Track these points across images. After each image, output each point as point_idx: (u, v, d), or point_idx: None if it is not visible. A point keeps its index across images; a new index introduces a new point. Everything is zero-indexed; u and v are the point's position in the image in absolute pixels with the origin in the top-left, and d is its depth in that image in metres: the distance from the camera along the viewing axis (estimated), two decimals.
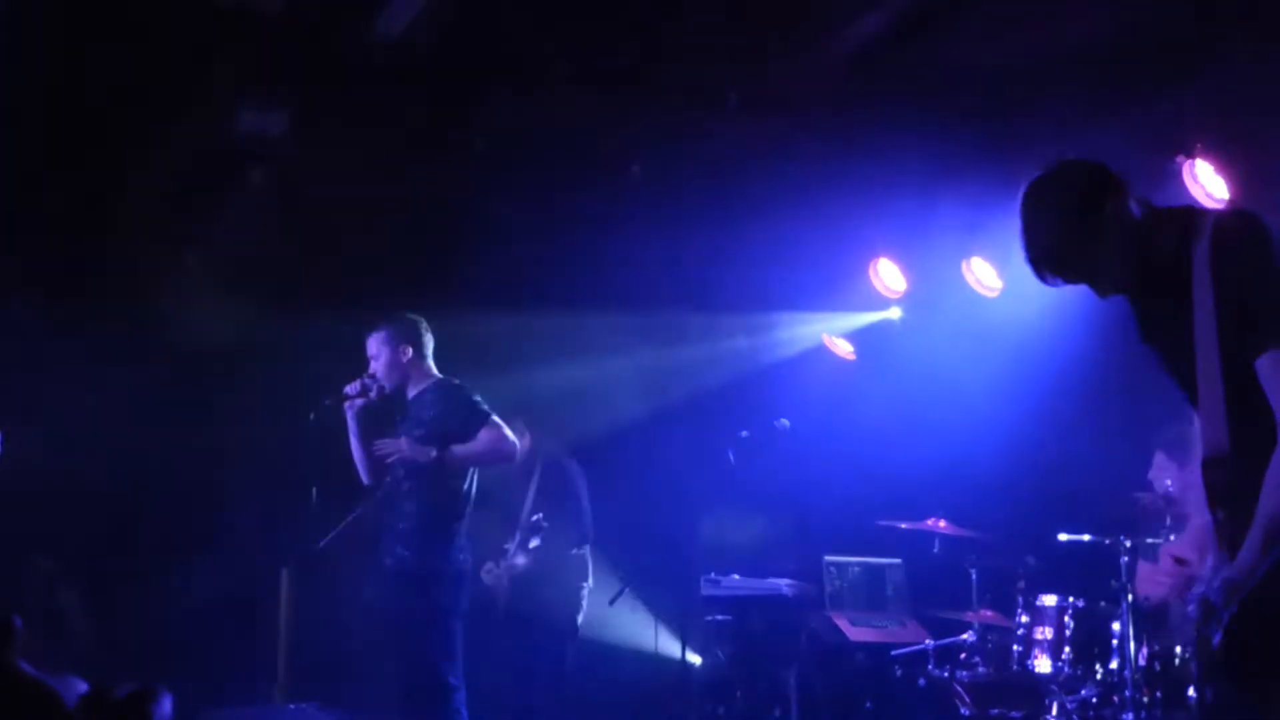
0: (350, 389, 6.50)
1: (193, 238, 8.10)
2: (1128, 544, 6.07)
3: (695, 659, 8.01)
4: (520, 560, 7.52)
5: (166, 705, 4.58)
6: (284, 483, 8.74)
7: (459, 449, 6.26)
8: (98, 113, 6.63)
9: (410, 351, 6.44)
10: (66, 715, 4.33)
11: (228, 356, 8.50)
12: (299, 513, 8.64)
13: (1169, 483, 5.89)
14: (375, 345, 6.48)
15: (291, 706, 7.98)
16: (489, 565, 7.71)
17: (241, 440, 8.67)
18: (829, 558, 8.12)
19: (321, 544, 8.02)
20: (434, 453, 6.21)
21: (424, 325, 6.54)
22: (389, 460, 6.34)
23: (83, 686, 4.66)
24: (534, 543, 7.44)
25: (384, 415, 6.71)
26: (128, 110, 6.62)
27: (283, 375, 8.43)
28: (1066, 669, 6.25)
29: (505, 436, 6.36)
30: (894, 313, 8.60)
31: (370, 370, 6.48)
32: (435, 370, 6.53)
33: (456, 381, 6.52)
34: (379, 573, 6.42)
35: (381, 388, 6.47)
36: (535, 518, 7.45)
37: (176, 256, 8.21)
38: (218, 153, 6.97)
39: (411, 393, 6.49)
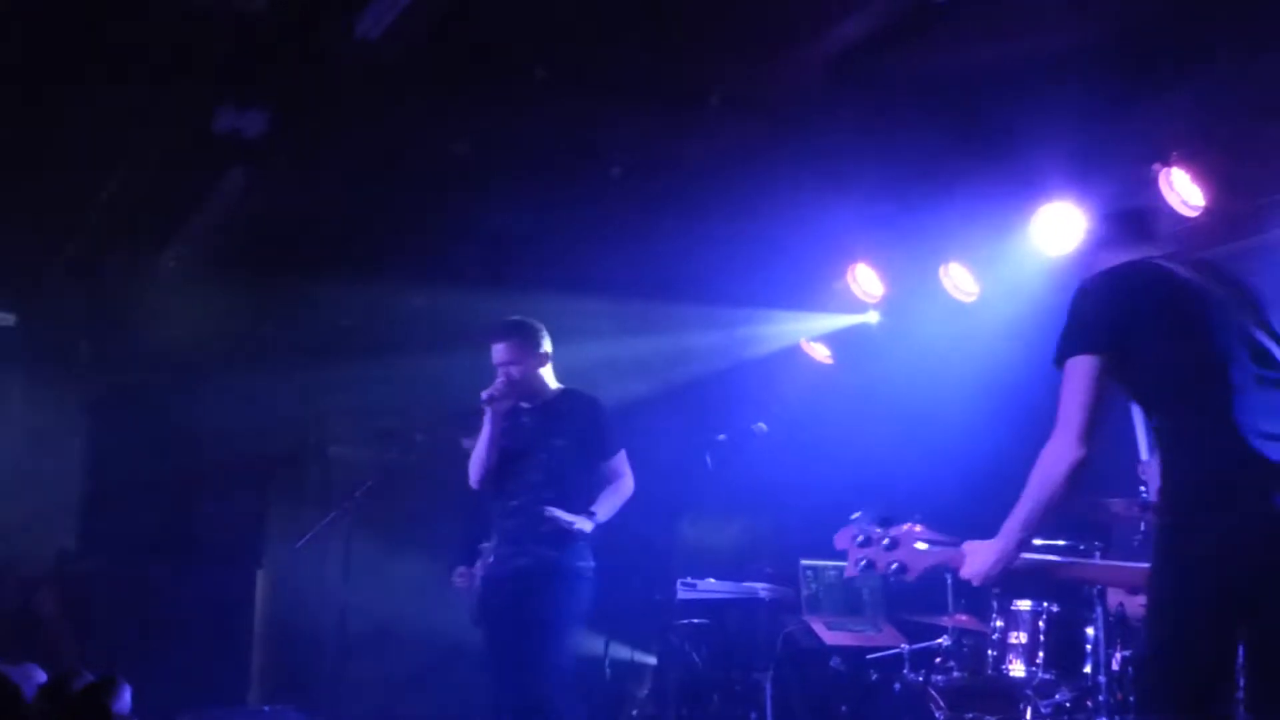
0: (493, 393, 6.29)
1: (170, 238, 8.07)
2: (1101, 550, 6.11)
3: (650, 660, 8.05)
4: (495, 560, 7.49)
5: (125, 697, 4.57)
6: (259, 485, 8.76)
7: (608, 504, 6.30)
8: (74, 110, 6.59)
9: (543, 356, 6.38)
10: (25, 705, 4.31)
11: (204, 358, 8.48)
12: (273, 515, 8.66)
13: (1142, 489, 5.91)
14: (511, 350, 6.31)
15: (266, 709, 7.96)
16: (461, 569, 7.68)
17: (217, 443, 8.66)
18: (805, 561, 8.14)
19: (297, 546, 8.03)
20: (594, 518, 6.24)
21: (545, 330, 6.48)
22: (563, 524, 6.20)
23: (42, 676, 4.66)
24: None
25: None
26: (105, 109, 6.59)
27: (260, 377, 8.43)
28: (1041, 674, 6.26)
29: (629, 473, 6.43)
30: (871, 317, 8.63)
31: (504, 375, 6.30)
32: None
33: (592, 395, 6.51)
34: (504, 578, 6.33)
35: (515, 392, 6.35)
36: None
37: (154, 257, 8.18)
38: (195, 152, 6.93)
39: (539, 399, 6.41)
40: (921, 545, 4.16)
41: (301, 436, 8.52)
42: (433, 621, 8.09)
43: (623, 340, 6.96)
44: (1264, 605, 3.66)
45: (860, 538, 4.24)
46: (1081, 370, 3.80)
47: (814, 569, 8.12)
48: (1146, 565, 3.86)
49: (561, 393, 6.46)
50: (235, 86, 6.45)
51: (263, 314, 8.26)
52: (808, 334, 8.98)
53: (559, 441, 6.29)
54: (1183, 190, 6.45)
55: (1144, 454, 4.15)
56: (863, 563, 4.23)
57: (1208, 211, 6.43)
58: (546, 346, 6.38)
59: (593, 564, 6.28)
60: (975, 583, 3.98)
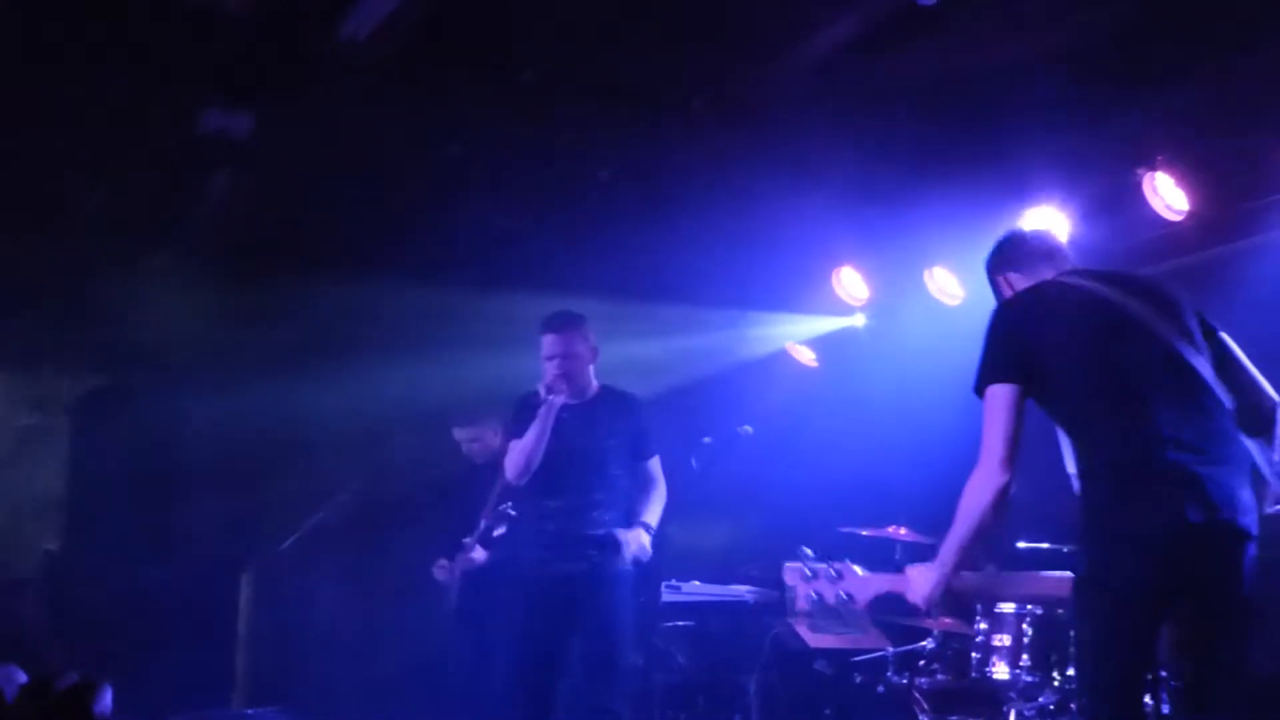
0: (553, 386, 6.12)
1: (157, 241, 8.06)
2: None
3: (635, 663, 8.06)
4: (479, 555, 7.48)
5: (107, 698, 4.56)
6: (245, 487, 8.74)
7: (656, 513, 6.26)
8: (60, 111, 6.58)
9: (594, 351, 6.29)
10: (6, 706, 4.31)
11: (191, 358, 8.47)
12: (259, 517, 8.64)
13: None
14: (569, 342, 6.17)
15: (251, 712, 7.95)
16: (442, 562, 7.68)
17: (203, 444, 8.64)
18: (790, 564, 8.14)
19: (282, 548, 8.02)
20: (650, 530, 6.19)
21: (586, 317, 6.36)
22: (640, 555, 6.16)
23: (22, 677, 4.64)
24: (499, 530, 7.37)
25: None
26: (90, 110, 6.58)
27: (247, 378, 8.42)
28: (1025, 676, 6.27)
29: (663, 477, 6.36)
30: (857, 320, 8.65)
31: (559, 368, 6.13)
32: None
33: (631, 392, 6.41)
34: (555, 582, 6.15)
35: (568, 387, 6.18)
36: (503, 506, 7.38)
37: (141, 258, 8.17)
38: (182, 153, 6.92)
39: (583, 396, 6.26)
40: (862, 572, 4.40)
41: (287, 437, 8.50)
42: (419, 623, 8.08)
43: (609, 342, 6.94)
44: (1182, 608, 3.85)
45: (807, 572, 4.46)
46: (997, 400, 3.98)
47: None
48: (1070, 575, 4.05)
49: (602, 390, 6.34)
50: (222, 88, 6.45)
51: (250, 315, 8.24)
52: (793, 337, 8.99)
53: (611, 441, 6.18)
54: (1167, 195, 6.48)
55: (1069, 466, 4.25)
56: (812, 596, 4.48)
57: (1192, 216, 6.46)
58: (594, 341, 6.29)
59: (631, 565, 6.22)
60: (920, 606, 4.17)
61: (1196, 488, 3.77)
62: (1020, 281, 4.33)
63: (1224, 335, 4.12)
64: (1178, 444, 3.81)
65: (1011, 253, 4.43)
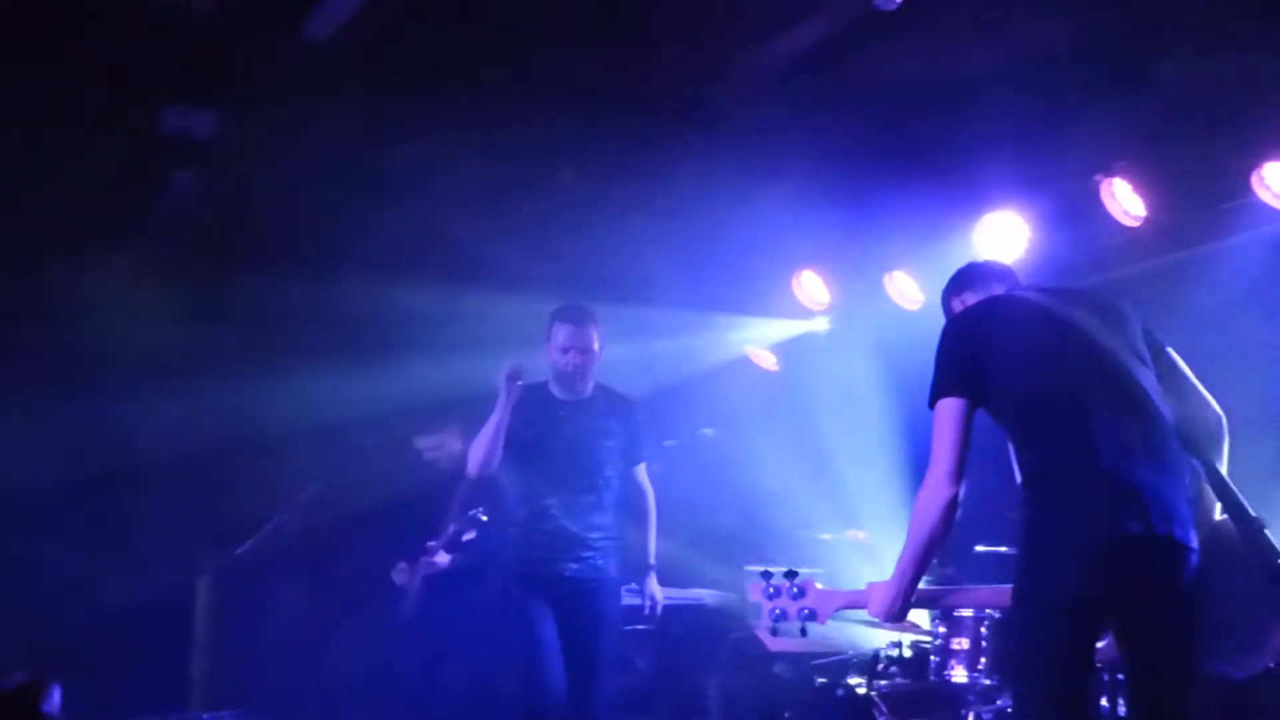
0: (566, 378, 6.02)
1: (117, 241, 7.99)
2: None
3: None
4: (443, 559, 7.45)
5: (55, 697, 4.55)
6: (202, 490, 8.68)
7: (655, 542, 6.28)
8: (18, 110, 6.53)
9: (601, 350, 6.14)
10: None
11: (148, 360, 8.41)
12: (217, 520, 8.58)
13: None
14: (589, 336, 6.03)
15: (207, 716, 7.89)
16: (401, 565, 7.64)
17: (159, 446, 8.57)
18: (750, 567, 8.15)
19: (239, 552, 7.97)
20: (654, 569, 6.27)
21: None
22: (653, 606, 6.27)
23: None
24: (469, 535, 7.34)
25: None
26: (49, 109, 6.52)
27: (205, 380, 8.36)
28: (983, 679, 6.30)
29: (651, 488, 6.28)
30: (819, 324, 8.67)
31: (576, 360, 5.99)
32: None
33: (627, 393, 6.28)
34: (551, 581, 5.99)
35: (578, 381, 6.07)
36: (474, 511, 7.35)
37: (100, 260, 8.10)
38: (142, 153, 6.87)
39: (581, 395, 6.13)
40: (821, 586, 4.48)
41: (246, 439, 8.44)
42: (377, 627, 8.05)
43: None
44: (1121, 620, 3.91)
45: (770, 589, 4.51)
46: (946, 413, 4.04)
47: (760, 575, 8.12)
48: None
49: (599, 389, 6.18)
50: (183, 88, 6.40)
51: (209, 316, 8.18)
52: (755, 341, 9.01)
53: (609, 442, 6.04)
54: (1124, 201, 6.54)
55: (1018, 477, 4.34)
56: (776, 613, 4.51)
57: (1149, 222, 6.52)
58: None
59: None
60: (881, 619, 4.22)
61: (1135, 499, 3.81)
62: (972, 299, 4.42)
63: (1170, 351, 4.19)
64: (1117, 455, 3.86)
65: (964, 277, 4.55)
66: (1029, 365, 4.04)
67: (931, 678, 6.57)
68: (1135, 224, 6.54)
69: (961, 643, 6.43)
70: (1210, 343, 4.46)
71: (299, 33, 5.84)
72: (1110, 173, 6.50)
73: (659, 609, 6.14)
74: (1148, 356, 4.09)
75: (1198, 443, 4.06)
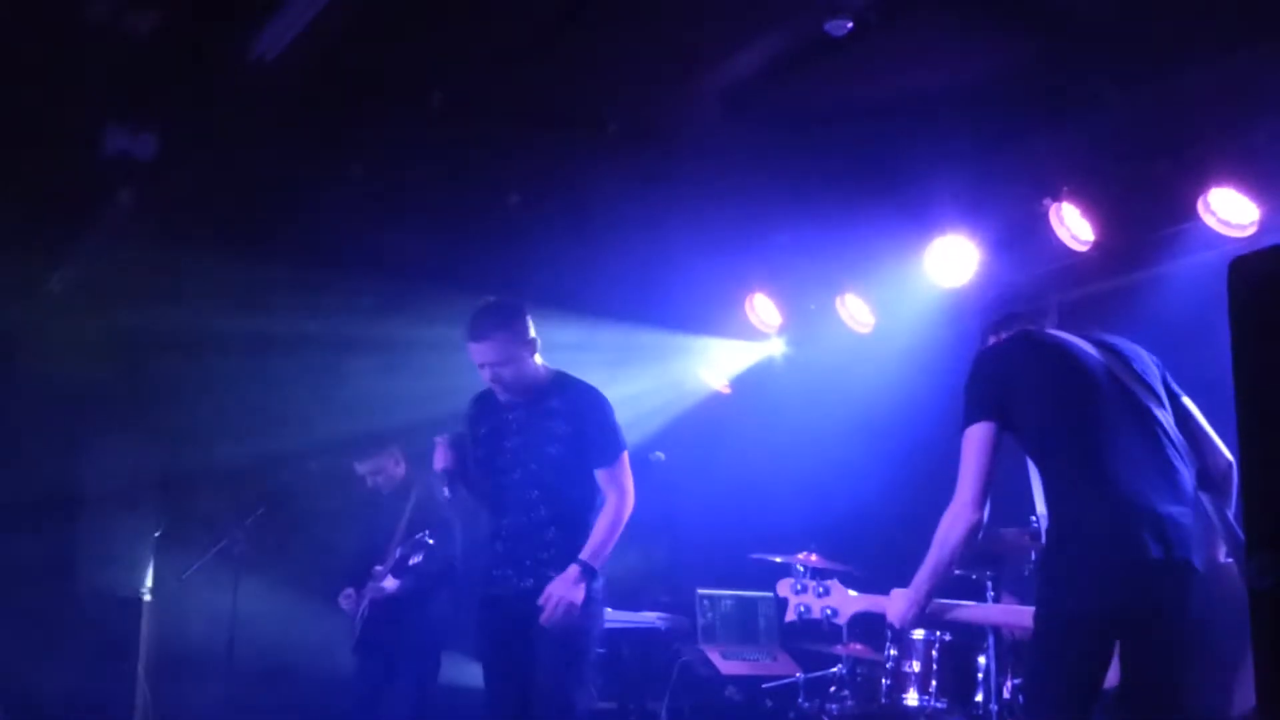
0: (448, 464, 5.39)
1: (57, 261, 7.89)
2: (992, 579, 6.20)
3: None
4: (390, 584, 7.38)
5: None
6: (145, 513, 8.59)
7: (598, 542, 5.24)
8: None
9: (532, 344, 5.37)
10: None
11: (89, 382, 8.31)
12: (160, 543, 8.49)
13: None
14: (496, 349, 5.29)
15: None
16: (348, 591, 7.56)
17: (100, 468, 8.48)
18: (701, 590, 8.14)
19: (185, 575, 7.87)
20: (580, 584, 5.16)
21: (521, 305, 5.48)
22: (553, 612, 5.15)
23: None
24: (415, 559, 7.26)
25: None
26: None
27: (148, 403, 8.27)
28: (934, 702, 6.31)
29: (627, 485, 5.38)
30: (773, 347, 8.67)
31: (493, 381, 5.36)
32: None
33: (589, 385, 5.46)
34: (508, 599, 5.30)
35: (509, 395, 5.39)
36: (420, 535, 7.27)
37: (40, 280, 8.00)
38: (84, 175, 6.78)
39: (530, 393, 5.39)
40: (852, 593, 4.79)
41: (190, 463, 8.36)
42: (323, 652, 7.97)
43: None
44: (1133, 640, 4.03)
45: (798, 586, 4.83)
46: (974, 438, 4.18)
47: (710, 598, 8.12)
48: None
49: (553, 382, 5.44)
50: (126, 108, 6.32)
51: (149, 338, 8.09)
52: (706, 363, 9.00)
53: (552, 449, 5.32)
54: (1073, 225, 6.57)
55: (1039, 507, 4.43)
56: (801, 608, 4.81)
57: (1097, 246, 6.55)
58: (532, 331, 5.40)
59: (599, 581, 5.33)
60: (896, 625, 4.51)
61: (1158, 526, 3.97)
62: (1006, 335, 4.59)
63: (1186, 399, 4.35)
64: (1140, 484, 4.03)
65: (1005, 317, 4.70)
66: (1057, 395, 4.23)
67: (883, 700, 6.57)
68: (1084, 248, 6.58)
69: (913, 665, 6.45)
70: (1162, 366, 4.50)
71: (246, 54, 5.78)
72: (1058, 197, 6.53)
73: (551, 606, 5.15)
74: (1165, 399, 4.28)
75: (1209, 484, 4.22)
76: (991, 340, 4.63)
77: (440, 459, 5.43)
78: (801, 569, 4.70)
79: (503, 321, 5.33)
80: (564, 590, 5.15)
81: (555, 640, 5.18)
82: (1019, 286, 6.95)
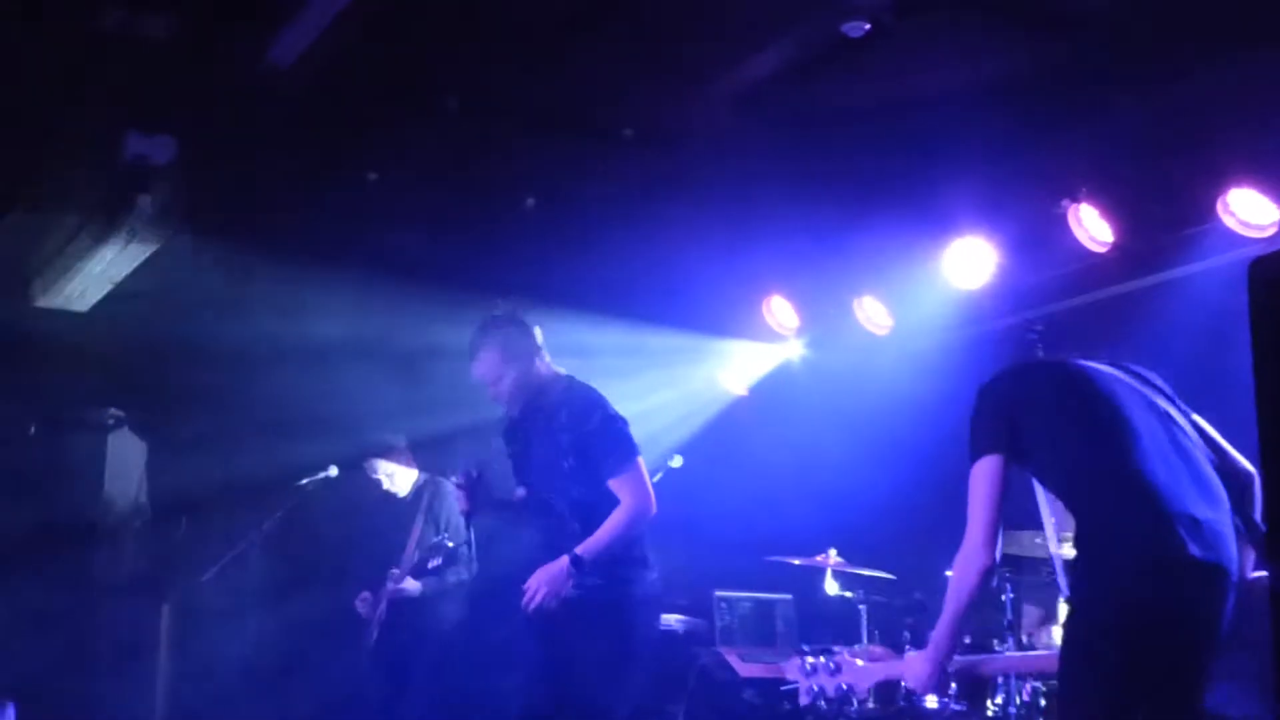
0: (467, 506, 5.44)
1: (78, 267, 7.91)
2: (1010, 580, 6.20)
3: None
4: (412, 586, 7.39)
5: (9, 715, 4.50)
6: (165, 516, 8.63)
7: (601, 539, 5.16)
8: None
9: (534, 350, 5.34)
10: None
11: (112, 385, 8.36)
12: (180, 546, 8.52)
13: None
14: (490, 365, 5.30)
15: None
16: (365, 594, 7.58)
17: (120, 472, 8.52)
18: (719, 593, 8.14)
19: (204, 578, 7.90)
20: (568, 575, 5.11)
21: (519, 312, 5.44)
22: (536, 599, 5.14)
23: None
24: (434, 562, 7.29)
25: None
26: (7, 134, 6.46)
27: (167, 409, 8.31)
28: (953, 705, 6.29)
29: (631, 496, 5.23)
30: (790, 349, 8.66)
31: (494, 397, 5.37)
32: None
33: (590, 392, 5.37)
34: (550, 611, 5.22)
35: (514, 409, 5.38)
36: (439, 538, 7.30)
37: (61, 285, 8.03)
38: (102, 180, 6.80)
39: (540, 401, 5.35)
40: (860, 662, 4.53)
41: (210, 466, 8.39)
42: (341, 655, 7.99)
43: None
44: (1168, 681, 3.93)
45: (807, 667, 4.57)
46: (983, 472, 4.07)
47: (728, 600, 8.11)
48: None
49: (564, 393, 5.36)
50: (144, 113, 6.34)
51: (171, 343, 8.12)
52: (724, 366, 8.99)
53: (566, 464, 5.26)
54: (1091, 227, 6.55)
55: (1052, 546, 4.40)
56: (814, 689, 4.57)
57: (1116, 247, 6.53)
58: (536, 336, 5.36)
59: (654, 574, 5.34)
60: (919, 691, 4.55)
61: (1194, 528, 3.91)
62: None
63: (1197, 416, 4.29)
64: (1176, 488, 3.97)
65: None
66: (1076, 415, 4.14)
67: (901, 703, 6.55)
68: (1102, 250, 6.55)
69: None
70: (1179, 368, 4.47)
71: (261, 60, 5.79)
72: (1077, 199, 6.51)
73: (532, 599, 5.12)
74: (1183, 413, 4.23)
75: (1234, 494, 4.15)
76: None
77: (461, 503, 5.51)
78: (806, 648, 4.53)
79: (486, 339, 5.32)
80: (545, 579, 5.15)
81: (596, 643, 5.19)
82: (1037, 288, 6.93)
